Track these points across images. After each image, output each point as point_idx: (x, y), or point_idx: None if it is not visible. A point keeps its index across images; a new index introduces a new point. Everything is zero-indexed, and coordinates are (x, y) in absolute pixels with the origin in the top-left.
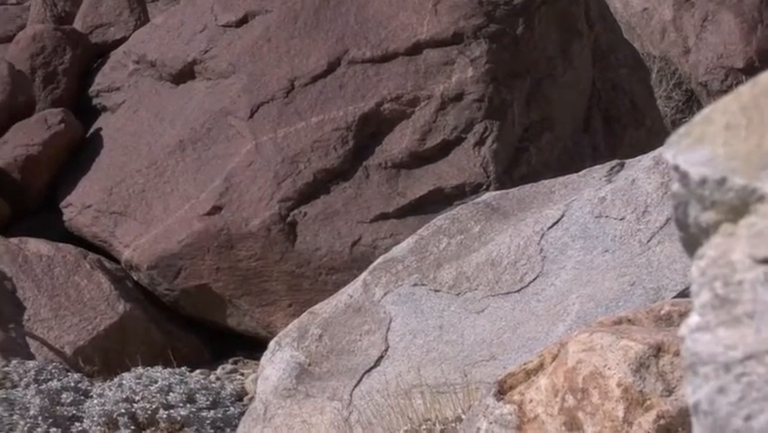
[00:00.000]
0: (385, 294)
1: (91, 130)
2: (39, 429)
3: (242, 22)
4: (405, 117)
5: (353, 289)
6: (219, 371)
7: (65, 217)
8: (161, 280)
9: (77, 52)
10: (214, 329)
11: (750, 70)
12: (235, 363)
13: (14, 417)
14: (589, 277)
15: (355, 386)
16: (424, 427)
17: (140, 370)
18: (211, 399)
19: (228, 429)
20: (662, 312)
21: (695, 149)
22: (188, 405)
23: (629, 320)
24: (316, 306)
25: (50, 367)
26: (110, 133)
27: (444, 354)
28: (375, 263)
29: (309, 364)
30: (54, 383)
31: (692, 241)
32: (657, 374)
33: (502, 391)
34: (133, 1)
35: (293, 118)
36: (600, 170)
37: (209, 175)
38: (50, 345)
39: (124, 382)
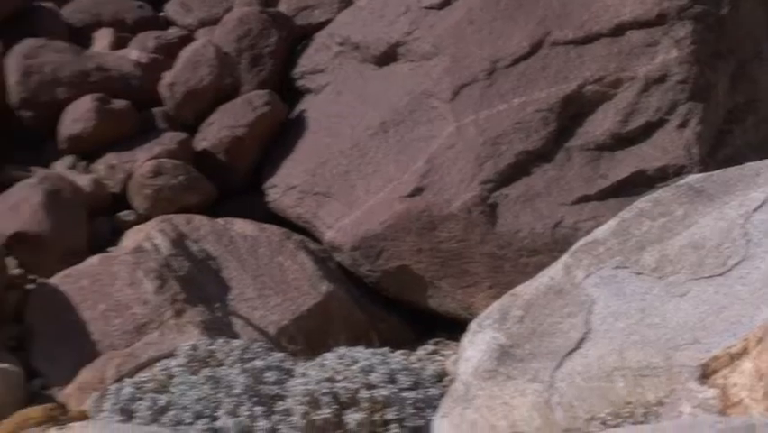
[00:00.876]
0: (586, 276)
1: (295, 111)
2: (243, 407)
3: (445, 3)
4: (607, 99)
5: (555, 271)
6: (420, 352)
7: (269, 198)
8: (363, 261)
9: (283, 35)
10: (415, 310)
11: None
12: (436, 344)
13: (220, 395)
14: None
15: (556, 368)
16: (626, 410)
17: (342, 350)
18: (412, 379)
19: (429, 410)
20: None
21: None
22: (390, 385)
23: None
24: (518, 288)
25: (255, 346)
26: (313, 114)
27: (647, 337)
28: (576, 246)
29: (510, 346)
30: (258, 362)
31: None
32: None
33: (705, 375)
34: None
35: (495, 100)
36: None
37: (411, 156)
38: (255, 324)
39: (327, 361)
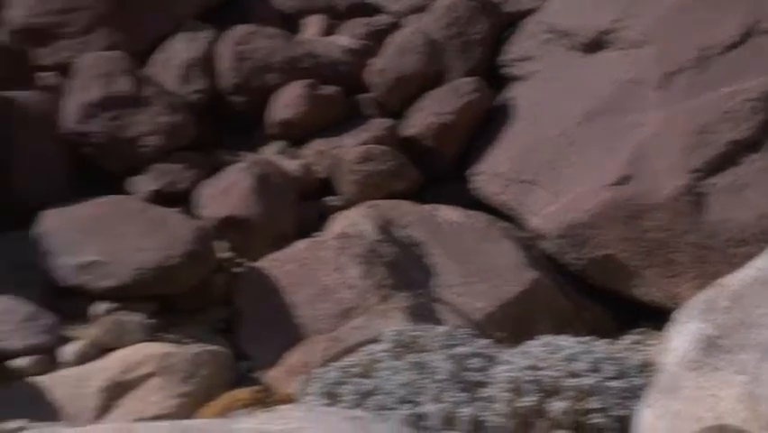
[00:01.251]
0: None
1: (501, 99)
2: (447, 393)
3: None
4: None
5: (763, 262)
6: (624, 341)
7: (474, 185)
8: (569, 249)
9: (491, 22)
10: (619, 299)
11: None
12: (641, 333)
13: (424, 380)
14: None
15: (764, 360)
16: None
17: (546, 338)
18: (617, 369)
19: (633, 400)
20: None
21: None
22: (594, 374)
23: None
24: (724, 278)
25: (459, 332)
26: (520, 102)
27: None
28: None
29: (717, 337)
30: (462, 349)
31: None
32: None
33: None
34: None
35: (704, 89)
36: None
37: (618, 145)
38: (460, 310)
39: (530, 349)
